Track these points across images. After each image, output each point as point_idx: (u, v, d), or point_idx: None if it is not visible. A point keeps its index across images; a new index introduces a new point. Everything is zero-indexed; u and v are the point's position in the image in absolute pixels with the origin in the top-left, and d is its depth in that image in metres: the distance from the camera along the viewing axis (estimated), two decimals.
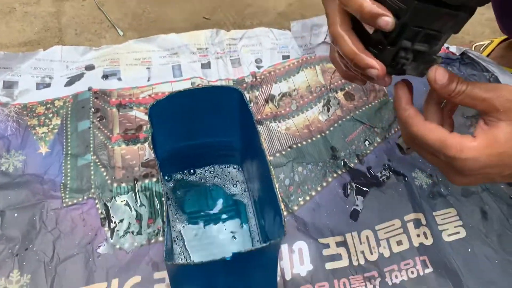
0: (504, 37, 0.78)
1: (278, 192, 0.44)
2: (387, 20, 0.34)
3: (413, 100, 0.39)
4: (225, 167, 0.64)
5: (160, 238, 0.57)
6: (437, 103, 0.40)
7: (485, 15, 0.89)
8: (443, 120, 0.41)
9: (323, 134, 0.69)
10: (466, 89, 0.37)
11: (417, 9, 0.33)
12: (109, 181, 0.62)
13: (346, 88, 0.75)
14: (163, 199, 0.54)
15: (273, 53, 0.80)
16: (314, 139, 0.69)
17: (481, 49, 0.79)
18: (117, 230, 0.58)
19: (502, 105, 0.36)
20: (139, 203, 0.61)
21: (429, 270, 0.57)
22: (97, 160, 0.65)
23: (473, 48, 0.80)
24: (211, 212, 0.60)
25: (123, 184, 0.62)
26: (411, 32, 0.35)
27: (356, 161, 0.66)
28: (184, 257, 0.57)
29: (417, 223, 0.60)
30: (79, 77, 0.75)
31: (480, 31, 0.88)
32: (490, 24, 0.84)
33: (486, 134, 0.36)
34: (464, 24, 0.36)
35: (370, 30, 0.37)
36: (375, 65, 0.36)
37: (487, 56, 0.77)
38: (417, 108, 0.39)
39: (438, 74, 0.37)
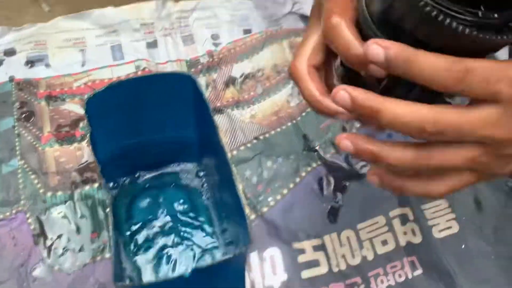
0: None
1: (241, 195, 0.44)
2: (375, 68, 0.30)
3: None
4: (180, 165, 0.64)
5: (107, 255, 0.56)
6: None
7: None
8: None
9: (294, 121, 0.69)
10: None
11: None
12: (41, 190, 0.61)
13: None
14: (107, 210, 0.53)
15: (232, 26, 0.79)
16: (284, 127, 0.69)
17: None
18: (55, 248, 0.57)
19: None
20: (79, 214, 0.59)
21: (419, 271, 0.58)
22: (25, 166, 0.63)
23: None
24: (166, 220, 0.60)
25: (59, 193, 0.61)
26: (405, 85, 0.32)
27: (332, 151, 0.66)
28: (136, 275, 0.56)
29: (404, 219, 0.61)
30: None
31: None
32: None
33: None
34: None
35: None
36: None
37: None
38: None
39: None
